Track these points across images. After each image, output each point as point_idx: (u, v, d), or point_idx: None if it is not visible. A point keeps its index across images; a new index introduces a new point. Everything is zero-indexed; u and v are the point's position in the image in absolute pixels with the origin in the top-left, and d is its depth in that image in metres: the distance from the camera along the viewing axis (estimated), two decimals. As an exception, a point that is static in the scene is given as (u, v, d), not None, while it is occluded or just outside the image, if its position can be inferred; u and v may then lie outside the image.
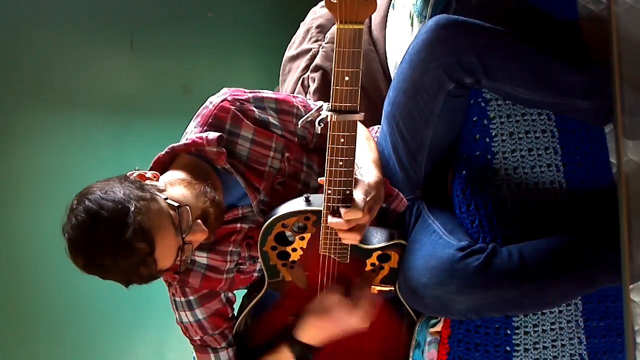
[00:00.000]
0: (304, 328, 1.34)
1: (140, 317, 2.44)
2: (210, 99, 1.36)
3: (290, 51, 1.99)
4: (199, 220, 1.20)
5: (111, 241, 1.08)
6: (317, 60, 1.86)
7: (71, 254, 1.14)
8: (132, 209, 1.10)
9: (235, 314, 1.45)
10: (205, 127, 1.32)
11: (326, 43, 1.88)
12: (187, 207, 1.18)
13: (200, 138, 1.29)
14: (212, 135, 1.28)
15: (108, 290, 2.36)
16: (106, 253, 1.09)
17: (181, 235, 1.17)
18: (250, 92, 1.38)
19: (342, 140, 1.08)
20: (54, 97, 2.52)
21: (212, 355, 1.41)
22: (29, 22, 2.52)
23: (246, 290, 1.47)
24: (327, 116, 1.05)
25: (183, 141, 1.32)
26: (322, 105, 1.08)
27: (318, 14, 1.99)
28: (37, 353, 2.41)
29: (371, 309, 1.32)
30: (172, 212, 1.16)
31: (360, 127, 1.39)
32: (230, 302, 1.43)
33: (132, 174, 1.23)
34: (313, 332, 1.34)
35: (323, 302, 1.32)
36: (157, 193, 1.17)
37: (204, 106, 1.36)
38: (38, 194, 2.38)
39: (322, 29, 1.93)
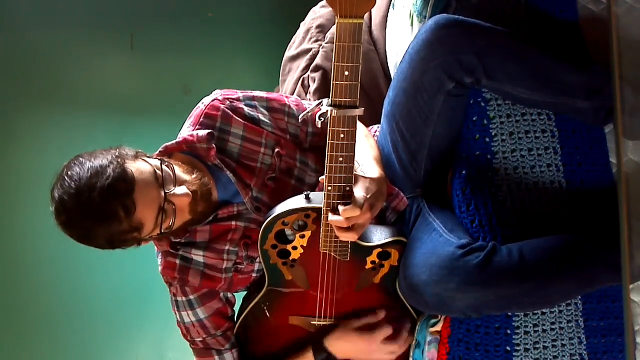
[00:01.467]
0: (338, 337, 1.35)
1: (140, 317, 2.44)
2: (203, 99, 1.40)
3: (290, 51, 1.99)
4: (183, 186, 1.23)
5: (92, 183, 1.14)
6: (317, 60, 1.86)
7: (57, 212, 1.18)
8: (116, 155, 1.18)
9: (236, 315, 1.45)
10: (198, 126, 1.35)
11: (326, 43, 1.88)
12: (170, 163, 1.23)
13: (191, 135, 1.32)
14: (202, 132, 1.32)
15: (109, 290, 2.38)
16: (86, 196, 1.13)
17: (163, 190, 1.19)
18: (241, 92, 1.41)
19: (341, 135, 1.08)
20: (54, 97, 2.52)
21: (216, 357, 1.41)
22: (29, 22, 2.52)
23: (246, 292, 1.47)
24: (327, 111, 1.06)
25: (176, 140, 1.35)
26: (322, 101, 1.08)
27: (318, 13, 1.99)
28: (37, 353, 2.41)
29: (405, 346, 1.34)
30: (156, 170, 1.21)
31: (359, 125, 1.39)
32: (229, 302, 1.43)
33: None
34: (345, 345, 1.35)
35: (368, 321, 1.34)
36: (143, 156, 1.25)
37: (196, 107, 1.39)
38: (38, 194, 2.37)
39: (322, 28, 1.93)
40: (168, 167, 1.23)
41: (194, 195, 1.25)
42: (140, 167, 1.20)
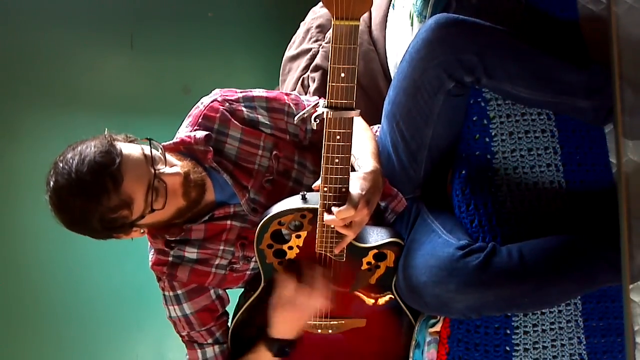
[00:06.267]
0: (272, 324, 1.34)
1: (140, 317, 2.44)
2: (202, 99, 1.40)
3: (290, 51, 1.99)
4: (175, 166, 1.25)
5: (81, 160, 1.16)
6: (317, 60, 1.86)
7: (50, 198, 1.20)
8: (106, 135, 1.22)
9: (232, 313, 1.45)
10: (196, 127, 1.35)
11: (326, 43, 1.88)
12: (159, 143, 1.24)
13: (189, 137, 1.32)
14: (200, 134, 1.32)
15: (109, 290, 2.38)
16: (75, 173, 1.15)
17: (152, 166, 1.20)
18: (241, 92, 1.41)
19: (338, 137, 1.08)
20: (54, 97, 2.52)
21: (198, 351, 1.41)
22: (29, 22, 2.52)
23: (243, 289, 1.47)
24: (322, 113, 1.05)
25: (173, 140, 1.35)
26: (318, 102, 1.08)
27: (318, 13, 1.99)
28: (37, 353, 2.41)
29: (327, 285, 1.31)
30: (145, 152, 1.22)
31: (358, 118, 1.39)
32: (220, 299, 1.43)
33: None
34: (281, 325, 1.34)
35: (281, 295, 1.32)
36: (134, 140, 1.26)
37: (195, 106, 1.40)
38: (38, 194, 2.38)
39: (322, 28, 1.93)
40: (158, 149, 1.24)
41: (186, 177, 1.25)
42: (129, 146, 1.22)
